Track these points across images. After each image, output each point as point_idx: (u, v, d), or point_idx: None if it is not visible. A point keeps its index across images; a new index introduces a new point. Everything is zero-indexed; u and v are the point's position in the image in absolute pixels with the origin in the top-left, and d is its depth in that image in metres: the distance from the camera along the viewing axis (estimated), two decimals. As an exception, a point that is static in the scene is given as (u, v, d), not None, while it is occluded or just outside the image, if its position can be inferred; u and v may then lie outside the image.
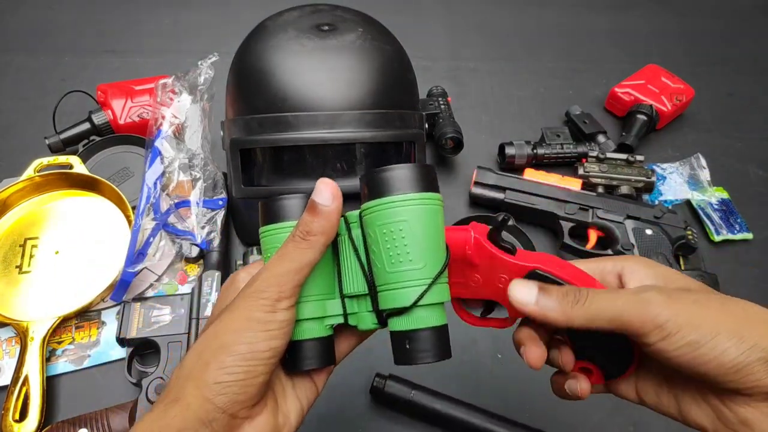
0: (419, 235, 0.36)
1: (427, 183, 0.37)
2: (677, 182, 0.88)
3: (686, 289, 0.36)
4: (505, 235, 0.41)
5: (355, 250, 0.39)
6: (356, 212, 0.39)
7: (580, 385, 0.40)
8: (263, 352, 0.35)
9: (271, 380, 0.38)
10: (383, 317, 0.38)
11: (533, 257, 0.40)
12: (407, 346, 0.36)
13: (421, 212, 0.36)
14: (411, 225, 0.36)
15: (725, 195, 0.87)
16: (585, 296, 0.36)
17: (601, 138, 0.90)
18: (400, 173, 0.36)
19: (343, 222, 0.40)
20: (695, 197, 0.86)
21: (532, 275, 0.39)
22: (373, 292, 0.38)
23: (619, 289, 0.37)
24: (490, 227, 0.40)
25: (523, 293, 0.37)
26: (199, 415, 0.34)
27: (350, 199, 0.68)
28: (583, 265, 0.41)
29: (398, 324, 0.37)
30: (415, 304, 0.36)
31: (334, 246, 0.40)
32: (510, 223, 0.72)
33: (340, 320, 0.40)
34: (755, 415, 0.34)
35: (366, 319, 0.40)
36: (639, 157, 0.84)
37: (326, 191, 0.37)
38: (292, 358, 0.39)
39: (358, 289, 0.39)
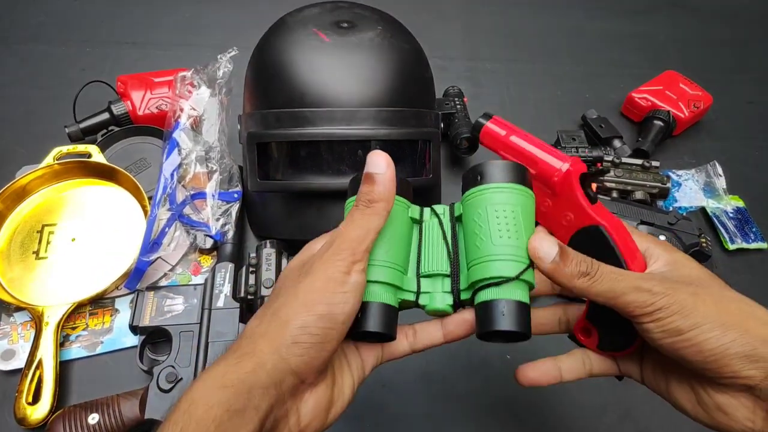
0: (527, 220, 0.40)
1: (529, 181, 0.42)
2: (692, 189, 0.87)
3: (688, 282, 0.38)
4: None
5: (444, 234, 0.43)
6: (443, 206, 0.45)
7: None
8: (339, 315, 0.37)
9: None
10: (459, 299, 0.42)
11: (604, 215, 0.42)
12: (500, 312, 0.39)
13: (530, 201, 0.41)
14: (523, 210, 0.40)
15: (741, 203, 0.86)
16: (595, 271, 0.38)
17: (617, 143, 0.89)
18: (518, 167, 0.41)
19: (430, 212, 0.45)
20: (710, 205, 0.85)
21: (593, 229, 0.41)
22: (455, 272, 0.42)
23: (626, 272, 0.39)
24: (586, 171, 0.42)
25: (545, 248, 0.39)
26: (271, 374, 0.35)
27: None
28: (629, 229, 0.43)
29: (492, 294, 0.39)
30: (519, 276, 0.39)
31: (416, 230, 0.45)
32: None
33: (412, 297, 0.43)
34: (732, 402, 0.37)
35: (438, 299, 0.43)
36: (655, 163, 0.83)
37: (380, 160, 0.40)
38: (358, 319, 0.41)
39: (439, 268, 0.43)
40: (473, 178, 0.42)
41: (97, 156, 0.78)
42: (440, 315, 0.44)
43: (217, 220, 0.75)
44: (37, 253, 0.72)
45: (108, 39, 1.05)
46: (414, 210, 0.45)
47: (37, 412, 0.60)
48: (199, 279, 0.73)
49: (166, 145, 0.76)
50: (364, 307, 0.40)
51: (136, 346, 0.66)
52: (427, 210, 0.45)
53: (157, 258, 0.71)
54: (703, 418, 0.40)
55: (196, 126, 0.79)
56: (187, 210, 0.75)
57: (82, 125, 0.83)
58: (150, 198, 0.74)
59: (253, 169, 0.69)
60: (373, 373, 0.67)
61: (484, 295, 0.40)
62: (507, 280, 0.39)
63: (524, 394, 0.67)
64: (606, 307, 0.39)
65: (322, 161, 0.69)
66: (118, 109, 0.83)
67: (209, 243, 0.74)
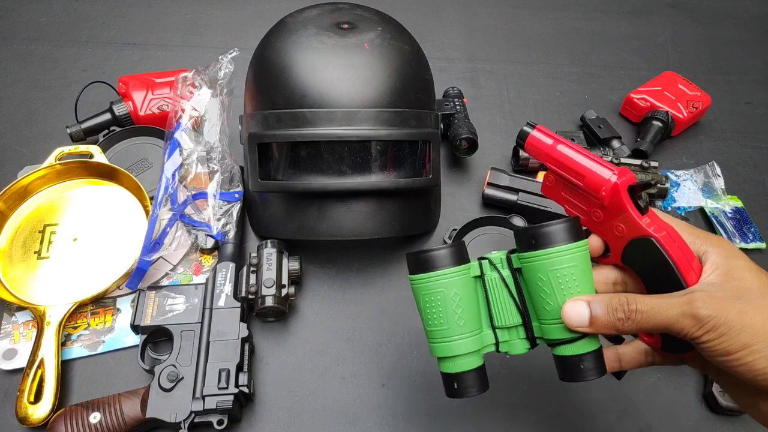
0: (587, 275, 0.43)
1: (580, 232, 0.43)
2: (691, 189, 0.88)
3: (738, 296, 0.38)
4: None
5: (508, 287, 0.46)
6: (499, 255, 0.46)
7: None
8: None
9: None
10: (536, 343, 0.45)
11: (657, 226, 0.43)
12: (581, 367, 0.43)
13: (584, 253, 0.43)
14: (580, 263, 0.42)
15: (739, 204, 0.86)
16: (634, 312, 0.39)
17: (615, 143, 0.90)
18: (568, 226, 0.43)
19: (488, 263, 0.46)
20: (709, 205, 0.86)
21: (643, 241, 0.42)
22: (527, 322, 0.45)
23: (669, 300, 0.39)
24: (635, 183, 0.43)
25: (574, 317, 0.41)
26: None
27: (362, 195, 0.69)
28: (686, 231, 0.44)
29: (569, 350, 0.43)
30: (587, 334, 0.43)
31: (480, 284, 0.46)
32: (522, 224, 0.73)
33: (493, 349, 0.46)
34: None
35: (517, 346, 0.46)
36: (653, 164, 0.83)
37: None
38: (452, 389, 0.45)
39: (512, 321, 0.46)
40: (527, 240, 0.43)
41: (99, 156, 0.78)
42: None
43: (218, 220, 0.75)
44: (38, 252, 0.73)
45: (109, 39, 1.06)
46: (474, 268, 0.46)
47: (38, 412, 0.61)
48: (200, 279, 0.74)
49: (168, 146, 0.77)
50: (459, 377, 0.45)
51: (137, 346, 0.66)
52: (485, 263, 0.46)
53: (159, 258, 0.71)
54: (758, 419, 0.42)
55: (198, 126, 0.79)
56: (189, 210, 0.76)
57: (84, 125, 0.83)
58: (151, 198, 0.74)
59: (254, 170, 0.69)
60: (373, 373, 0.68)
61: (562, 350, 0.44)
62: (582, 336, 0.43)
63: (524, 392, 0.68)
64: None
65: (323, 162, 0.69)
66: (119, 109, 0.84)
67: (210, 243, 0.74)
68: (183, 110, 0.78)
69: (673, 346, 0.45)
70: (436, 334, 0.45)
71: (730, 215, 0.84)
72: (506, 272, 0.46)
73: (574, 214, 0.47)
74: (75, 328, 0.69)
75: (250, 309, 0.70)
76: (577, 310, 0.41)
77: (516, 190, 0.81)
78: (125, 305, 0.71)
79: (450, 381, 0.45)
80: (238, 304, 0.68)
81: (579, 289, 0.42)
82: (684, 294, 0.39)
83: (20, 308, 0.69)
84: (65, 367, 0.66)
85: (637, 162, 0.84)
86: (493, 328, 0.46)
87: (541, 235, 0.42)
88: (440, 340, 0.45)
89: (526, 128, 0.48)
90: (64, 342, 0.68)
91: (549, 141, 0.47)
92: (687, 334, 0.38)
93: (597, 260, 0.47)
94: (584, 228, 0.46)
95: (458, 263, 0.45)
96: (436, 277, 0.44)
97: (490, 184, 0.82)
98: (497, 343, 0.46)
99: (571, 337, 0.42)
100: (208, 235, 0.74)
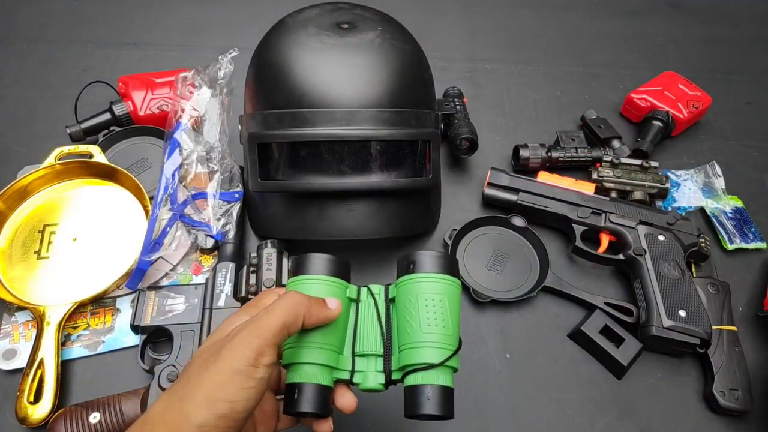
0: (453, 307, 0.44)
1: (457, 270, 0.46)
2: (691, 189, 0.88)
3: None
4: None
5: (379, 315, 0.46)
6: (379, 286, 0.47)
7: None
8: (240, 413, 0.36)
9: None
10: (391, 378, 0.44)
11: None
12: (425, 396, 0.42)
13: (457, 290, 0.45)
14: (449, 298, 0.44)
15: (739, 204, 0.86)
16: None
17: (615, 143, 0.90)
18: (445, 258, 0.45)
19: (367, 291, 0.47)
20: (709, 205, 0.86)
21: None
22: (387, 353, 0.45)
23: None
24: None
25: None
26: None
27: (362, 195, 0.69)
28: None
29: (418, 379, 0.42)
30: (443, 363, 0.42)
31: (354, 309, 0.47)
32: (522, 224, 0.73)
33: (346, 376, 0.45)
34: None
35: (370, 378, 0.45)
36: (653, 163, 0.83)
37: (336, 304, 0.44)
38: (292, 400, 0.43)
39: (373, 349, 0.45)
40: (406, 265, 0.45)
41: (99, 156, 0.78)
42: (374, 392, 0.46)
43: (218, 220, 0.75)
44: (38, 252, 0.72)
45: (109, 39, 1.06)
46: (352, 290, 0.47)
47: (38, 412, 0.61)
48: (200, 279, 0.74)
49: (168, 146, 0.76)
50: (300, 387, 0.43)
51: (137, 346, 0.66)
52: (364, 290, 0.47)
53: (159, 258, 0.71)
54: None
55: (197, 126, 0.79)
56: (189, 210, 0.76)
57: (84, 125, 0.83)
58: (151, 198, 0.74)
59: (254, 170, 0.69)
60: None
61: (411, 380, 0.43)
62: (432, 366, 0.42)
63: (524, 392, 0.68)
64: None
65: (323, 162, 0.69)
66: (119, 109, 0.84)
67: (210, 243, 0.74)
68: (183, 110, 0.78)
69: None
70: (291, 339, 0.43)
71: (730, 215, 0.84)
72: (381, 301, 0.47)
73: None
74: (75, 328, 0.69)
75: (250, 309, 0.70)
76: None
77: (516, 190, 0.81)
78: (125, 305, 0.71)
79: (291, 391, 0.43)
80: (238, 305, 0.68)
81: (443, 321, 0.43)
82: None
83: (20, 308, 0.69)
84: (65, 367, 0.66)
85: (638, 162, 0.84)
86: (353, 355, 0.46)
87: (420, 260, 0.45)
88: (292, 345, 0.44)
89: None
90: (63, 342, 0.67)
91: None
92: None
93: None
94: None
95: (335, 275, 0.45)
96: (310, 280, 0.45)
97: (490, 184, 0.82)
98: (353, 372, 0.45)
99: (423, 363, 0.42)
100: (207, 235, 0.74)
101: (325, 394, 0.43)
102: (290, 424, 0.47)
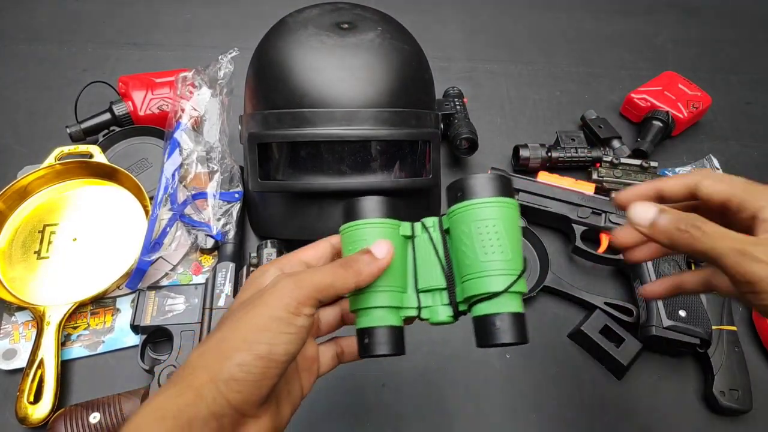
0: (511, 230, 0.42)
1: (510, 191, 0.43)
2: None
3: None
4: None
5: (436, 249, 0.44)
6: (433, 219, 0.45)
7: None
8: (281, 356, 0.36)
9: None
10: (458, 310, 0.43)
11: None
12: (495, 326, 0.40)
13: (512, 212, 0.42)
14: (505, 221, 0.41)
15: (740, 204, 0.86)
16: (698, 228, 0.38)
17: (615, 143, 0.90)
18: (495, 179, 0.42)
19: (420, 226, 0.45)
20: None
21: None
22: (451, 285, 0.43)
23: (736, 234, 0.37)
24: None
25: (641, 212, 0.40)
26: (211, 407, 0.34)
27: (363, 195, 0.68)
28: (740, 187, 0.41)
29: (485, 309, 0.41)
30: (507, 289, 0.40)
31: (410, 246, 0.45)
32: (522, 224, 0.73)
33: (414, 313, 0.44)
34: None
35: (439, 312, 0.44)
36: (653, 163, 0.83)
37: (385, 248, 0.41)
38: (366, 344, 0.42)
39: (436, 283, 0.44)
40: (455, 193, 0.43)
41: (99, 156, 0.78)
42: (445, 325, 0.45)
43: (218, 220, 0.75)
44: (38, 252, 0.72)
45: (109, 39, 1.06)
46: (405, 227, 0.46)
47: (38, 412, 0.61)
48: (200, 279, 0.74)
49: (168, 146, 0.76)
50: (371, 332, 0.42)
51: (137, 346, 0.66)
52: (417, 225, 0.46)
53: (159, 258, 0.71)
54: None
55: (197, 126, 0.79)
56: (189, 210, 0.76)
57: (84, 125, 0.83)
58: (151, 198, 0.74)
59: (254, 170, 0.69)
60: (372, 373, 0.68)
61: (478, 310, 0.41)
62: (497, 294, 0.40)
63: (524, 392, 0.68)
64: None
65: (323, 161, 0.69)
66: (119, 109, 0.84)
67: (210, 243, 0.74)
68: (183, 110, 0.78)
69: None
70: None
71: (730, 215, 0.84)
72: (436, 234, 0.45)
73: None
74: (75, 328, 0.69)
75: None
76: (645, 208, 0.40)
77: (516, 190, 0.81)
78: (125, 305, 0.71)
79: (362, 336, 0.43)
80: (238, 304, 0.68)
81: (500, 246, 0.41)
82: (743, 240, 0.37)
83: (20, 308, 0.69)
84: (65, 367, 0.66)
85: (637, 162, 0.84)
86: (417, 292, 0.45)
87: (468, 186, 0.42)
88: (357, 291, 0.43)
89: None
90: (63, 342, 0.67)
91: None
92: (738, 273, 0.36)
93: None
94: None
95: (386, 216, 0.44)
96: (363, 225, 0.44)
97: (490, 184, 0.82)
98: (419, 308, 0.45)
99: (486, 293, 0.41)
100: (207, 235, 0.74)
101: (397, 333, 0.43)
102: (332, 367, 0.47)
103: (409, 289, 0.45)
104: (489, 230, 0.41)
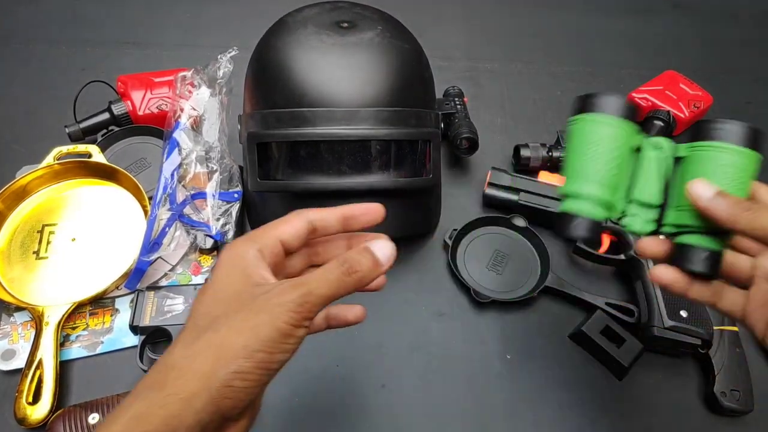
0: (748, 185, 0.43)
1: (760, 146, 0.44)
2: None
3: None
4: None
5: (664, 169, 0.46)
6: (669, 141, 0.46)
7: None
8: (276, 364, 0.36)
9: None
10: (659, 229, 0.46)
11: None
12: (702, 259, 0.43)
13: (750, 168, 0.43)
14: (750, 177, 0.43)
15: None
16: (757, 208, 0.40)
17: (616, 143, 0.89)
18: (757, 133, 0.43)
19: (651, 143, 0.46)
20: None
21: None
22: (664, 205, 0.46)
23: None
24: None
25: (700, 189, 0.42)
26: (199, 415, 0.33)
27: (362, 195, 0.69)
28: None
29: (695, 240, 0.44)
30: (726, 231, 0.42)
31: (635, 157, 0.46)
32: (523, 225, 0.73)
33: (617, 215, 0.47)
34: None
35: (641, 222, 0.46)
36: (654, 163, 0.83)
37: (389, 252, 0.41)
38: (566, 224, 0.45)
39: (650, 199, 0.46)
40: (709, 130, 0.44)
41: (98, 156, 0.78)
42: (636, 234, 0.49)
43: (218, 220, 0.75)
44: (37, 253, 0.72)
45: (108, 39, 1.05)
46: (638, 138, 0.47)
47: (37, 412, 0.60)
48: (199, 279, 0.73)
49: (167, 145, 0.76)
50: (573, 217, 0.45)
51: (136, 346, 0.66)
52: (648, 140, 0.47)
53: (158, 258, 0.71)
54: None
55: (197, 126, 0.79)
56: (188, 210, 0.75)
57: (83, 125, 0.83)
58: (150, 198, 0.74)
59: (254, 169, 0.69)
60: (372, 373, 0.68)
61: (688, 239, 0.44)
62: (707, 231, 0.43)
63: (524, 393, 0.67)
64: None
65: (323, 161, 0.69)
66: (118, 109, 0.83)
67: (209, 243, 0.74)
68: (182, 110, 0.78)
69: None
70: (575, 172, 0.46)
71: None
72: (667, 156, 0.46)
73: None
74: (74, 328, 0.69)
75: (250, 309, 0.69)
76: (705, 185, 0.42)
77: (517, 190, 0.81)
78: (124, 305, 0.71)
79: (565, 218, 0.46)
80: (238, 305, 0.67)
81: (733, 193, 0.42)
82: None
83: (18, 308, 0.69)
84: (64, 368, 0.66)
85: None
86: (628, 199, 0.47)
87: (729, 128, 0.43)
88: (575, 176, 0.46)
89: None
90: (62, 342, 0.67)
91: None
92: None
93: None
94: None
95: (626, 118, 0.45)
96: (600, 120, 0.45)
97: (490, 184, 0.82)
98: (624, 213, 0.47)
99: (698, 226, 0.43)
100: (207, 235, 0.74)
101: (595, 226, 0.45)
102: (322, 329, 0.47)
103: (621, 191, 0.46)
104: (732, 177, 0.42)
